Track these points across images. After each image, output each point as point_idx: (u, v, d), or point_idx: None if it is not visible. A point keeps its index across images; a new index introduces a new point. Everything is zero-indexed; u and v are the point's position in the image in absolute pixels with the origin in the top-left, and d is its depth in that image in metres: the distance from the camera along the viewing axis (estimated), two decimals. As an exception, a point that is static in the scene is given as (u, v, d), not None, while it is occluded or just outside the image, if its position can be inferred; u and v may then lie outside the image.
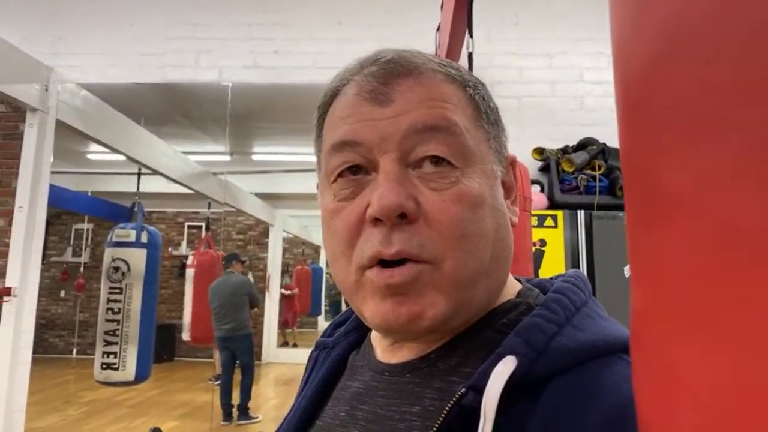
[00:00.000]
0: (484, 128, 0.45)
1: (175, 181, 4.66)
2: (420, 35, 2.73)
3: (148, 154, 4.21)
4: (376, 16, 3.24)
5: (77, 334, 7.00)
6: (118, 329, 3.67)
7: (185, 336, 5.00)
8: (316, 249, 9.28)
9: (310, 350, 0.60)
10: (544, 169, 2.90)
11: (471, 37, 1.63)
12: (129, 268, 3.72)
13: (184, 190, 4.97)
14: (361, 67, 0.45)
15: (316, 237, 8.95)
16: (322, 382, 0.52)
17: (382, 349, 0.49)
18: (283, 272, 8.00)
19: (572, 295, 0.42)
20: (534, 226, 2.54)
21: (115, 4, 3.37)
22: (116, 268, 3.71)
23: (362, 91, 0.43)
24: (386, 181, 0.40)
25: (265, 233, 7.57)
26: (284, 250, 8.14)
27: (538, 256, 2.56)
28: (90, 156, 5.34)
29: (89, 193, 5.63)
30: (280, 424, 0.53)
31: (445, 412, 0.37)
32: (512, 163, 0.49)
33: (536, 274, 2.34)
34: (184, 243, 7.24)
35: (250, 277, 7.00)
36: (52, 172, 3.26)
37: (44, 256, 3.32)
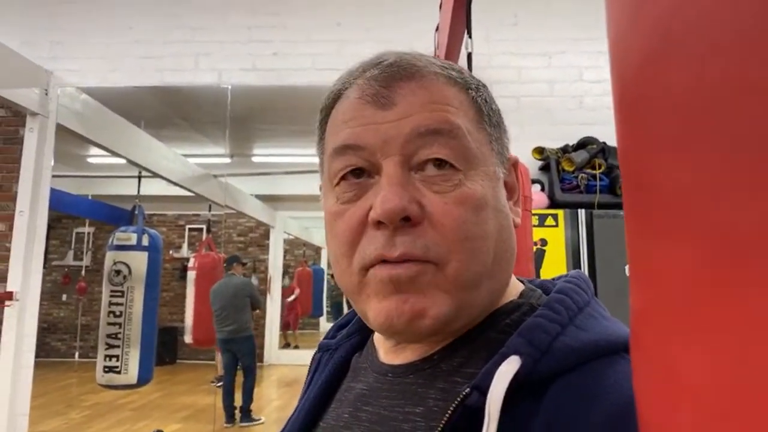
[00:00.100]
0: (486, 130, 0.45)
1: (176, 184, 4.66)
2: (419, 36, 2.73)
3: (149, 157, 4.21)
4: (374, 18, 3.24)
5: (79, 337, 6.99)
6: (120, 332, 3.67)
7: (187, 338, 5.00)
8: (317, 250, 9.27)
9: (311, 352, 0.60)
10: (545, 169, 2.90)
11: (470, 37, 1.63)
12: (130, 271, 3.72)
13: (184, 193, 4.97)
14: (364, 70, 0.45)
15: (317, 238, 8.95)
16: (325, 384, 0.52)
17: (385, 351, 0.49)
18: (284, 274, 7.99)
19: (575, 296, 0.42)
20: (535, 226, 2.54)
21: (113, 8, 3.37)
22: (118, 272, 3.71)
23: (364, 94, 0.43)
24: (389, 184, 0.40)
25: (266, 235, 7.56)
26: (285, 252, 8.13)
27: (539, 256, 2.56)
28: (90, 159, 5.33)
29: (90, 197, 5.63)
30: (283, 426, 0.53)
31: (449, 412, 0.37)
32: (514, 165, 0.50)
33: (537, 274, 2.34)
34: (185, 245, 7.23)
35: (254, 279, 7.01)
36: (53, 176, 3.26)
37: (45, 260, 3.32)
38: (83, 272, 6.91)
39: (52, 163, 3.25)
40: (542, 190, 2.84)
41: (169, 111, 4.27)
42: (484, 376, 0.37)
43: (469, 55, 1.62)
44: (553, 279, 0.49)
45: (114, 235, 3.79)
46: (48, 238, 3.35)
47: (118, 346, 3.65)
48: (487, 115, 0.46)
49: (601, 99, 3.06)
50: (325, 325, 9.17)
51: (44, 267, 3.27)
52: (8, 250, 3.11)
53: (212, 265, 5.03)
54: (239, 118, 4.01)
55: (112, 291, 3.70)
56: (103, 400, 5.49)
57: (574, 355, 0.37)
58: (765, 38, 0.13)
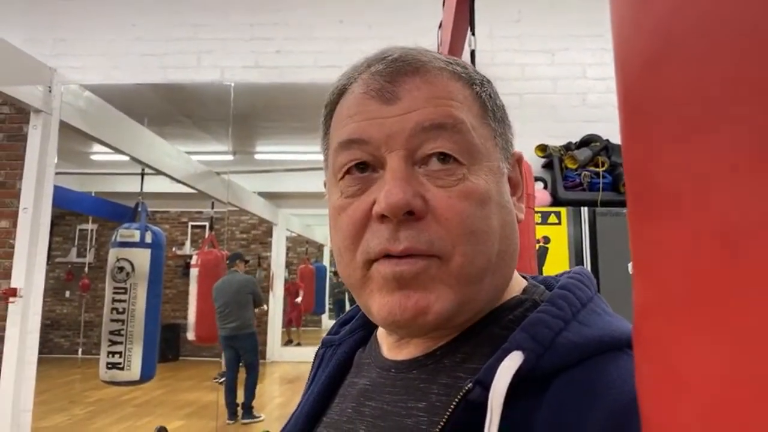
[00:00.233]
0: (491, 126, 0.45)
1: (179, 181, 4.67)
2: (422, 33, 2.72)
3: (151, 155, 4.22)
4: (377, 15, 3.24)
5: (82, 334, 7.03)
6: (123, 329, 3.68)
7: (190, 335, 5.01)
8: (320, 247, 9.28)
9: (314, 349, 0.60)
10: (548, 166, 2.89)
11: (473, 34, 1.63)
12: (133, 268, 3.73)
13: (187, 190, 4.98)
14: (368, 65, 0.45)
15: (320, 235, 8.96)
16: (328, 380, 0.52)
17: (389, 346, 0.49)
18: (287, 272, 8.01)
19: (578, 291, 0.42)
20: (538, 223, 2.54)
21: (116, 6, 3.37)
22: (121, 268, 3.72)
23: (369, 89, 0.43)
24: (393, 178, 0.41)
25: (269, 232, 7.58)
26: (288, 249, 8.15)
27: (542, 253, 2.56)
28: (93, 157, 5.35)
29: (93, 194, 5.64)
30: (286, 421, 0.54)
31: (452, 406, 0.37)
32: (518, 160, 0.50)
33: (540, 271, 2.34)
34: (188, 242, 7.25)
35: (260, 274, 7.03)
36: (56, 173, 3.27)
37: (49, 257, 3.33)
38: (86, 269, 6.94)
39: (56, 160, 3.26)
40: (545, 187, 2.84)
41: (172, 108, 4.28)
42: (486, 371, 0.37)
43: (473, 52, 1.62)
44: (557, 275, 0.49)
45: (117, 232, 3.80)
46: (51, 234, 3.37)
47: (121, 343, 3.66)
48: (491, 110, 0.46)
49: (605, 96, 3.05)
50: (327, 322, 9.19)
51: (47, 264, 3.29)
52: (12, 246, 3.13)
53: (215, 262, 5.05)
54: (242, 115, 4.01)
55: (115, 288, 3.71)
56: (106, 396, 5.51)
57: (576, 351, 0.37)
58: (765, 39, 0.13)
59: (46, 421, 4.74)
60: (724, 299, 0.14)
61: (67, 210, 6.15)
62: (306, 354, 5.29)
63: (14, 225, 3.15)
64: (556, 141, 2.90)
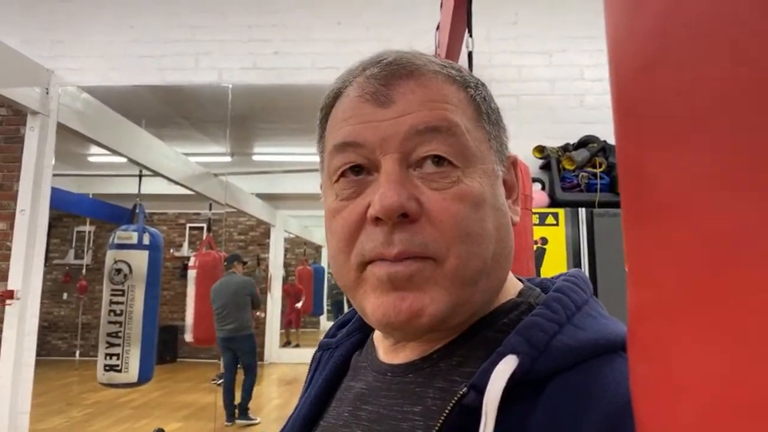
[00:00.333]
0: (485, 129, 0.45)
1: (176, 183, 4.66)
2: (419, 35, 2.72)
3: (149, 156, 4.22)
4: (375, 17, 3.24)
5: (80, 336, 7.01)
6: (120, 331, 3.67)
7: (188, 337, 5.01)
8: (318, 249, 9.29)
9: (312, 350, 0.60)
10: (545, 167, 2.90)
11: (470, 36, 1.63)
12: (131, 270, 3.72)
13: (185, 192, 4.98)
14: (363, 68, 0.45)
15: (317, 237, 8.96)
16: (325, 383, 0.52)
17: (385, 350, 0.49)
18: (285, 273, 8.01)
19: (573, 294, 0.42)
20: (535, 224, 2.54)
21: (114, 7, 3.37)
22: (118, 270, 3.71)
23: (364, 92, 0.43)
24: (387, 181, 0.41)
25: (267, 234, 7.58)
26: (286, 251, 8.14)
27: (540, 254, 2.56)
28: (91, 158, 5.34)
29: (90, 196, 5.64)
30: (284, 424, 0.54)
31: (446, 411, 0.37)
32: (513, 163, 0.50)
33: (538, 272, 2.34)
34: (185, 244, 7.25)
35: (259, 274, 7.02)
36: (54, 175, 3.26)
37: (46, 259, 3.33)
38: (84, 271, 6.92)
39: (53, 161, 3.25)
40: (543, 188, 2.84)
41: (170, 110, 4.28)
42: (481, 375, 0.37)
43: (470, 54, 1.62)
44: (552, 277, 0.49)
45: (115, 233, 3.80)
46: (49, 236, 3.36)
47: (118, 345, 3.66)
48: (485, 113, 0.46)
49: (602, 97, 3.06)
50: (325, 323, 9.19)
51: (45, 265, 3.28)
52: (9, 248, 3.12)
53: (213, 263, 5.04)
54: (240, 116, 4.01)
55: (112, 290, 3.70)
56: (103, 398, 5.50)
57: (572, 354, 0.37)
58: (759, 41, 0.13)
59: (43, 424, 4.73)
60: (717, 301, 0.14)
61: (65, 212, 6.15)
62: (304, 355, 5.29)
63: (11, 227, 3.15)
64: (554, 142, 2.90)
